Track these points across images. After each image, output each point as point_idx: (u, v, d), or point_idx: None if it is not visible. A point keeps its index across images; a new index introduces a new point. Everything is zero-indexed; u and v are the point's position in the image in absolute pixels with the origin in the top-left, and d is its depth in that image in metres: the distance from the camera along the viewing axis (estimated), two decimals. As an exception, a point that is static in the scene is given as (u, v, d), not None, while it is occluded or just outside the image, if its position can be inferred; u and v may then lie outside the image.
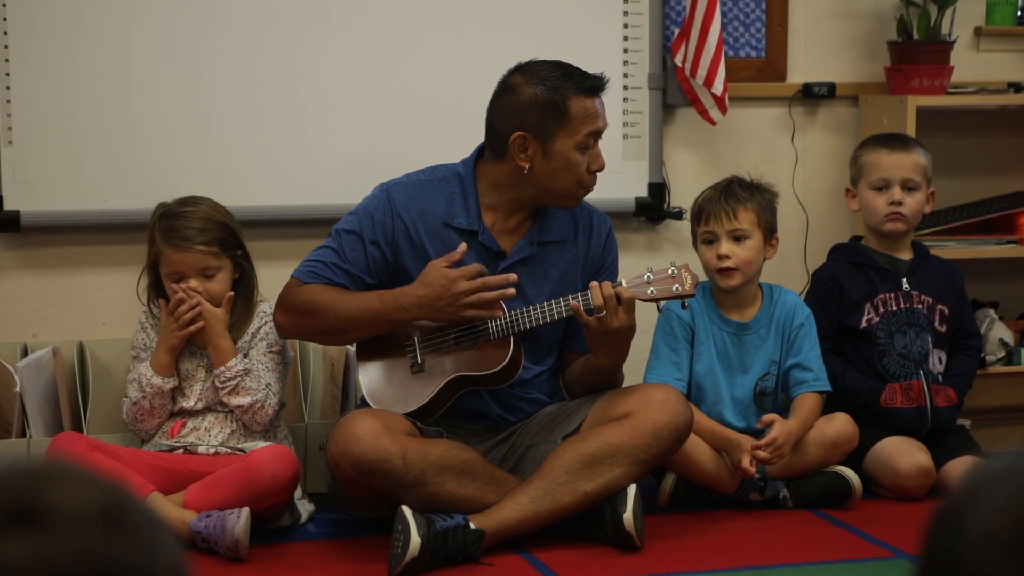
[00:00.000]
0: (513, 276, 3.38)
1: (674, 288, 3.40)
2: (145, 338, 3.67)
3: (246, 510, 3.31)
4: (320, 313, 3.42)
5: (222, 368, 3.56)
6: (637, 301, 3.39)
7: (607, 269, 3.61)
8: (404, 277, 3.47)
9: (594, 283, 3.36)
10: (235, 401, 3.56)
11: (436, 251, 3.46)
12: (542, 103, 3.39)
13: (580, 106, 3.39)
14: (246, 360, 3.59)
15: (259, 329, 3.65)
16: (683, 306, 3.53)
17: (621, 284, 3.38)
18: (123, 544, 0.95)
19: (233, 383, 3.55)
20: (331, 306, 3.42)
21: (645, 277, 3.41)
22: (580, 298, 3.39)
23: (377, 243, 3.46)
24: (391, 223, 3.47)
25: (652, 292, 3.39)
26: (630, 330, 3.39)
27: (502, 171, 3.47)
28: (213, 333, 3.56)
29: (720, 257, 3.74)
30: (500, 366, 3.43)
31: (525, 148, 3.41)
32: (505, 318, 3.42)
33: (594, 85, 3.43)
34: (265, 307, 3.67)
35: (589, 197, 3.55)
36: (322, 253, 3.48)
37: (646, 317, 4.07)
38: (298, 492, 3.58)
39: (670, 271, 3.41)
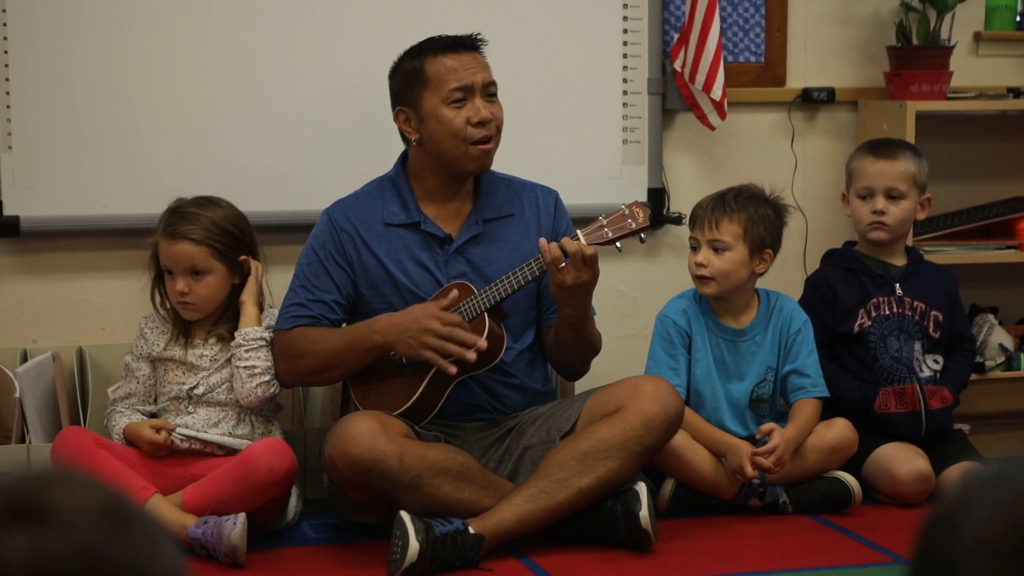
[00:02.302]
0: (483, 343, 3.37)
1: (628, 224, 3.39)
2: (144, 345, 3.65)
3: (242, 516, 3.31)
4: (307, 354, 3.52)
5: (250, 328, 3.55)
6: (600, 247, 3.36)
7: (564, 236, 3.60)
8: (371, 287, 3.54)
9: (543, 240, 3.36)
10: (251, 360, 3.53)
11: (385, 251, 3.55)
12: (405, 73, 3.55)
13: (438, 65, 3.50)
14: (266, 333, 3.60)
15: (268, 328, 3.65)
16: (641, 240, 3.44)
17: (578, 236, 3.37)
18: (122, 544, 0.96)
19: (258, 343, 3.54)
20: (314, 345, 3.51)
21: (599, 222, 3.40)
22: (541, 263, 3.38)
23: (336, 261, 3.56)
24: (338, 238, 3.57)
25: (608, 234, 3.38)
26: (594, 280, 3.39)
27: (412, 156, 3.60)
28: (249, 297, 3.58)
29: (697, 264, 3.75)
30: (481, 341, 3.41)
31: (408, 121, 3.54)
32: (475, 299, 3.43)
33: (451, 42, 3.53)
34: (275, 312, 3.66)
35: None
36: (292, 296, 3.59)
37: (644, 323, 4.08)
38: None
39: (622, 210, 3.41)
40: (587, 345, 3.58)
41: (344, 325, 3.59)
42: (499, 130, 3.54)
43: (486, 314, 3.43)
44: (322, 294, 3.54)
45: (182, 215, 3.60)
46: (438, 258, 3.55)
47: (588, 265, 3.33)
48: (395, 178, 3.63)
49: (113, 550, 0.95)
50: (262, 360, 3.55)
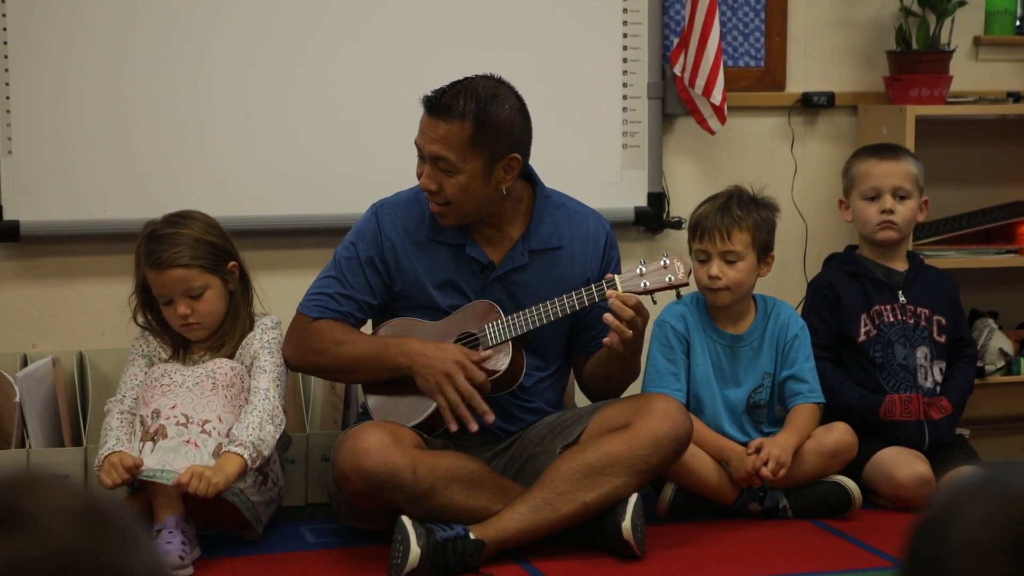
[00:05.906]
0: (491, 418, 3.37)
1: (667, 279, 3.39)
2: (144, 344, 3.64)
3: (193, 557, 3.30)
4: (327, 353, 3.47)
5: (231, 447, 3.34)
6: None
7: (613, 272, 3.60)
8: (403, 297, 3.50)
9: (615, 302, 3.32)
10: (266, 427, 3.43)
11: (425, 269, 3.48)
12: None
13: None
14: (224, 431, 3.40)
15: (261, 339, 3.55)
16: (677, 296, 3.49)
17: (615, 284, 3.37)
18: (98, 545, 0.95)
19: (249, 435, 3.37)
20: (337, 347, 3.45)
21: (638, 270, 3.40)
22: (585, 295, 3.39)
23: (373, 264, 3.50)
24: (381, 243, 3.51)
25: (645, 284, 3.38)
26: (646, 324, 3.40)
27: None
28: (217, 485, 3.26)
29: (711, 277, 3.74)
30: (499, 372, 3.43)
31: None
32: (502, 323, 3.43)
33: (424, 100, 3.40)
34: (267, 320, 3.60)
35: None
36: (325, 284, 3.52)
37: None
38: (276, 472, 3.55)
39: (663, 262, 3.40)
40: (632, 373, 3.58)
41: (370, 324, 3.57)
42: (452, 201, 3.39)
43: (510, 342, 3.43)
44: (354, 292, 3.49)
45: (161, 240, 3.51)
46: (476, 284, 3.49)
47: (639, 313, 3.33)
48: None
49: (89, 552, 0.94)
50: (254, 417, 3.39)
